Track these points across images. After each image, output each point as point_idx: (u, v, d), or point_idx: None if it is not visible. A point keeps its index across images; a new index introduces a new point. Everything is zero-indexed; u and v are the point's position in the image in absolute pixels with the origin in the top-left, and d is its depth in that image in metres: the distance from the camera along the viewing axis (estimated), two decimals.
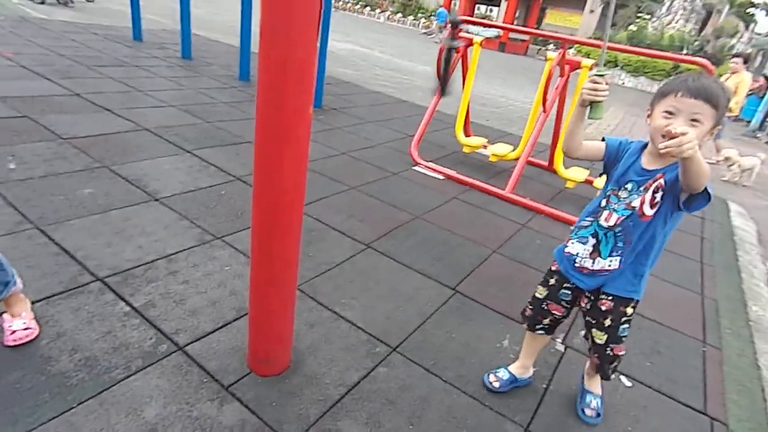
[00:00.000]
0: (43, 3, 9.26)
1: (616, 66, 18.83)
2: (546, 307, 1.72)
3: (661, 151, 1.20)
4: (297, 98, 1.27)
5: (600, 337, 1.61)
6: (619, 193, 1.50)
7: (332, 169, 3.72)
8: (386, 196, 3.42)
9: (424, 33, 24.23)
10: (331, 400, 1.65)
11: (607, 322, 1.58)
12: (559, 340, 2.19)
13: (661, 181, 1.39)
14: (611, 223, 1.49)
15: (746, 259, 3.69)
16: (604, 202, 1.53)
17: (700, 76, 1.34)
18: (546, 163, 4.78)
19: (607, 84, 1.42)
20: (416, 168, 4.16)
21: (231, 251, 2.38)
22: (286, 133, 1.31)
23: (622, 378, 2.04)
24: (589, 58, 4.15)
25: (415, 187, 3.72)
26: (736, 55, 6.06)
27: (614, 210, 1.50)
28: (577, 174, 4.21)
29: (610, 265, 1.52)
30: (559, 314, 1.71)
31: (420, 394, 1.75)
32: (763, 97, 11.08)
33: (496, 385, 1.84)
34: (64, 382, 1.50)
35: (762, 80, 12.93)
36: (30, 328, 1.62)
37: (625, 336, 1.60)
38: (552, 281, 1.69)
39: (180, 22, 6.56)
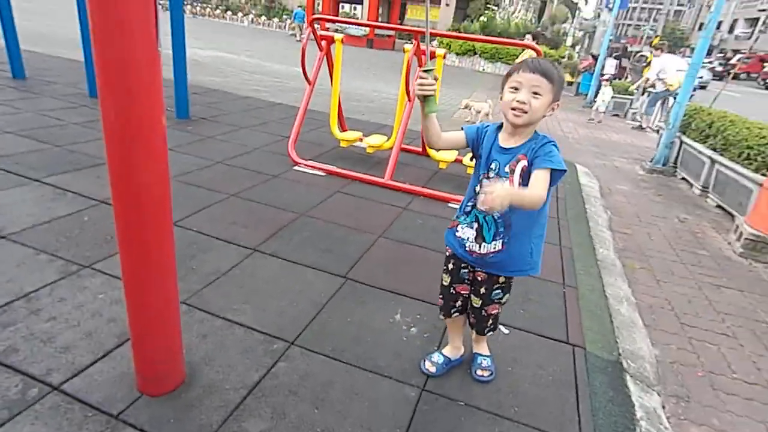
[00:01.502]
0: None
1: (476, 53, 20.50)
2: (454, 291, 1.83)
3: (479, 206, 1.38)
4: (145, 103, 1.26)
5: (476, 302, 1.79)
6: (489, 174, 1.60)
7: (208, 180, 3.61)
8: (268, 199, 3.41)
9: (291, 35, 24.05)
10: (233, 403, 1.65)
11: (482, 290, 1.75)
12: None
13: (524, 163, 1.50)
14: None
15: (593, 210, 4.33)
16: (478, 188, 1.63)
17: (538, 58, 1.53)
18: (420, 149, 5.12)
19: (435, 78, 1.51)
20: (296, 168, 4.19)
21: (104, 278, 2.22)
22: (139, 144, 1.28)
23: (501, 327, 2.30)
24: (446, 48, 4.53)
25: (297, 187, 3.76)
26: (533, 36, 7.17)
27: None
28: (447, 155, 4.57)
29: (495, 248, 1.62)
30: (466, 293, 1.83)
31: (321, 379, 1.82)
32: (592, 74, 12.91)
33: (433, 369, 1.93)
34: None
35: (590, 59, 15.04)
36: None
37: (499, 299, 1.77)
38: (451, 266, 1.81)
39: (3, 36, 5.71)
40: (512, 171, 1.53)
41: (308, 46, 4.31)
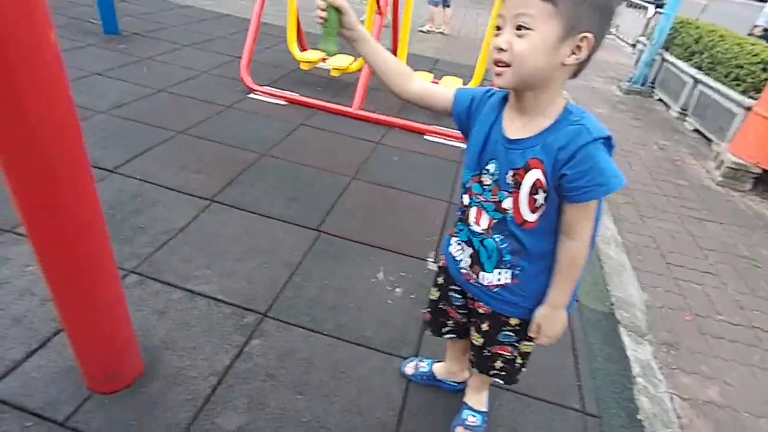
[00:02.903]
0: None
1: None
2: (444, 308, 1.33)
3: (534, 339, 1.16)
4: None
5: (476, 340, 1.25)
6: (482, 179, 1.03)
7: (149, 113, 3.11)
8: (223, 136, 2.99)
9: None
10: (202, 395, 1.44)
11: (485, 327, 1.20)
12: (431, 259, 2.19)
13: (538, 175, 0.93)
14: (484, 226, 1.05)
15: None
16: (466, 198, 1.09)
17: None
18: None
19: None
20: (252, 95, 3.70)
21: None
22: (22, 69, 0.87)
23: None
24: None
25: (254, 119, 3.32)
26: None
27: (483, 207, 1.04)
28: (425, 77, 4.16)
29: (501, 281, 1.08)
30: (462, 319, 1.31)
31: (302, 357, 1.63)
32: None
33: (411, 372, 1.61)
34: None
35: None
36: None
37: (511, 342, 1.19)
38: (440, 280, 1.31)
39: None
40: (517, 185, 0.96)
41: None
